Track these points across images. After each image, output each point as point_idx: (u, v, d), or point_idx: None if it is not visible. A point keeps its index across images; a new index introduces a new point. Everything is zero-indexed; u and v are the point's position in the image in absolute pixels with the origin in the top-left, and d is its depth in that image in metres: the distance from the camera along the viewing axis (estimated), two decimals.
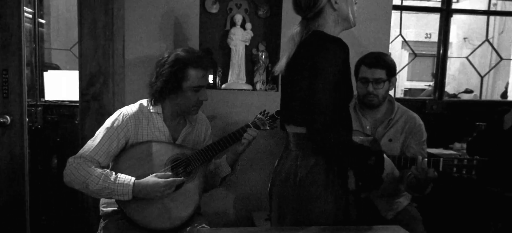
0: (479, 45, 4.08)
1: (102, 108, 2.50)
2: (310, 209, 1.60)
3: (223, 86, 2.94)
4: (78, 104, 2.58)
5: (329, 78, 1.48)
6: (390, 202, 2.45)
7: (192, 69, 1.98)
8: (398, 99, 3.35)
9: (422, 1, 7.38)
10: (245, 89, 2.90)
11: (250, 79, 2.99)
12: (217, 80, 2.96)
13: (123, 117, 2.02)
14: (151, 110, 2.07)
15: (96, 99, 2.50)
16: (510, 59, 4.44)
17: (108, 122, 2.01)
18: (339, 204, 1.64)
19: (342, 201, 1.65)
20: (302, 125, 1.59)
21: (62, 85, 3.19)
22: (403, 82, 9.13)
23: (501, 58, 4.23)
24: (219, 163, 2.20)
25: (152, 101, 2.07)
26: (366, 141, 1.87)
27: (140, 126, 2.04)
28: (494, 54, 5.60)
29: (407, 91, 8.39)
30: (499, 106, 2.58)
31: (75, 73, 2.67)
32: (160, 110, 2.08)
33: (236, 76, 2.91)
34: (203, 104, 2.16)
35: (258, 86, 2.96)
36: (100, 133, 1.98)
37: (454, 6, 6.36)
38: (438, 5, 3.73)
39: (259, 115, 2.25)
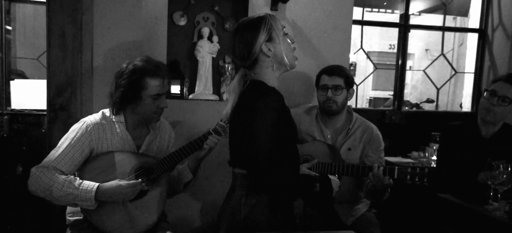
0: (435, 59, 4.29)
1: (70, 118, 2.50)
2: None
3: (190, 96, 3.01)
4: (45, 113, 2.59)
5: (266, 126, 1.57)
6: (350, 209, 2.58)
7: (149, 78, 2.02)
8: (359, 110, 3.51)
9: (385, 14, 7.64)
10: (211, 100, 2.97)
11: (216, 90, 3.07)
12: (184, 91, 3.03)
13: (86, 126, 2.04)
14: (114, 120, 2.11)
15: (64, 109, 2.51)
16: (464, 72, 4.65)
17: (71, 132, 2.03)
18: None
19: None
20: (246, 168, 1.68)
21: (28, 94, 3.18)
22: (368, 92, 9.38)
23: (456, 72, 4.45)
24: (181, 169, 2.25)
25: (113, 111, 2.10)
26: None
27: (104, 134, 2.07)
28: (454, 66, 5.86)
29: (372, 101, 8.62)
30: (451, 120, 2.74)
31: (42, 83, 2.67)
32: (122, 119, 2.11)
33: (203, 87, 2.99)
34: (171, 113, 2.20)
35: (224, 96, 3.04)
36: (63, 143, 2.00)
37: (414, 20, 6.64)
38: (397, 20, 3.91)
39: (220, 122, 2.29)
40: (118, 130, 2.10)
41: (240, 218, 1.68)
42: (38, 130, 3.08)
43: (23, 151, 3.08)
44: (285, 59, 1.71)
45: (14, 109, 3.13)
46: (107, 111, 2.14)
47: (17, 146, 3.07)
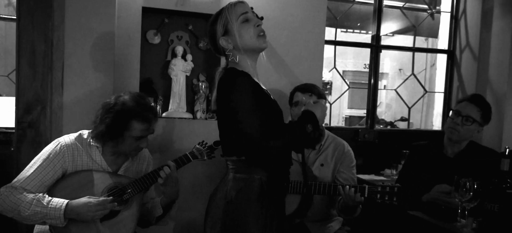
0: (406, 79, 4.39)
1: (39, 136, 2.47)
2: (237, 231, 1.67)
3: (164, 114, 3.00)
4: (14, 131, 2.55)
5: (246, 107, 1.59)
6: (323, 226, 2.59)
7: (136, 121, 1.99)
8: (334, 128, 3.55)
9: (360, 34, 7.79)
10: (185, 118, 2.97)
11: (190, 108, 3.07)
12: (158, 109, 3.02)
13: (60, 146, 2.01)
14: (91, 143, 2.07)
15: (32, 127, 2.48)
16: (434, 92, 4.78)
17: (45, 152, 2.00)
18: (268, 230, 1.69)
19: (272, 228, 1.70)
20: (234, 154, 1.69)
21: None
22: (343, 110, 9.51)
23: (426, 91, 4.56)
24: (155, 203, 2.21)
25: (93, 139, 2.07)
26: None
27: (79, 156, 2.04)
28: (426, 86, 6.00)
29: (347, 119, 8.73)
30: (421, 138, 2.79)
31: (11, 100, 2.63)
32: (100, 145, 2.08)
33: (177, 105, 2.98)
34: None
35: (198, 115, 3.04)
36: (35, 162, 1.97)
37: (388, 41, 6.81)
38: (369, 41, 4.00)
39: (197, 146, 2.31)
40: (93, 154, 2.07)
41: (226, 202, 1.68)
42: (7, 148, 3.01)
43: None
44: (248, 45, 1.72)
45: None
46: (85, 133, 2.10)
47: None
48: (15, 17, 2.60)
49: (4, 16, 4.31)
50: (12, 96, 2.70)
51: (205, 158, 2.30)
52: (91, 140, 2.07)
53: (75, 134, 2.10)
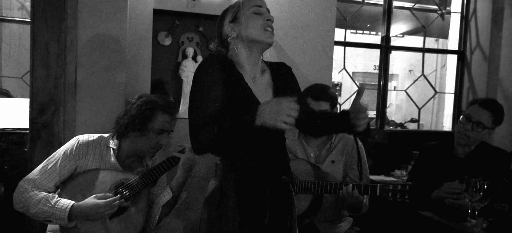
0: (416, 80, 4.38)
1: (52, 137, 2.51)
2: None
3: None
4: (27, 132, 2.59)
5: (193, 90, 1.60)
6: (333, 226, 2.59)
7: (160, 112, 2.07)
8: None
9: (369, 35, 7.76)
10: None
11: None
12: None
13: (78, 143, 2.07)
14: (109, 145, 2.12)
15: (46, 127, 2.51)
16: (444, 92, 4.76)
17: (64, 148, 2.07)
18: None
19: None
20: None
21: (11, 113, 3.17)
22: None
23: (436, 92, 4.54)
24: (162, 193, 2.18)
25: (115, 136, 2.12)
26: None
27: (93, 155, 2.09)
28: (437, 87, 5.98)
29: None
30: (431, 139, 2.79)
31: (25, 101, 2.67)
32: (116, 146, 2.12)
33: (187, 106, 3.00)
34: None
35: None
36: (53, 157, 2.03)
37: (398, 42, 6.77)
38: (379, 42, 4.00)
39: None
40: (108, 156, 2.11)
41: (205, 199, 1.74)
42: (21, 148, 3.06)
43: (5, 170, 3.05)
44: (253, 36, 1.65)
45: None
46: (105, 136, 2.16)
47: None
48: (28, 20, 2.65)
49: (17, 18, 4.39)
50: (26, 98, 2.75)
51: None
52: (110, 140, 2.13)
53: (96, 135, 2.15)
